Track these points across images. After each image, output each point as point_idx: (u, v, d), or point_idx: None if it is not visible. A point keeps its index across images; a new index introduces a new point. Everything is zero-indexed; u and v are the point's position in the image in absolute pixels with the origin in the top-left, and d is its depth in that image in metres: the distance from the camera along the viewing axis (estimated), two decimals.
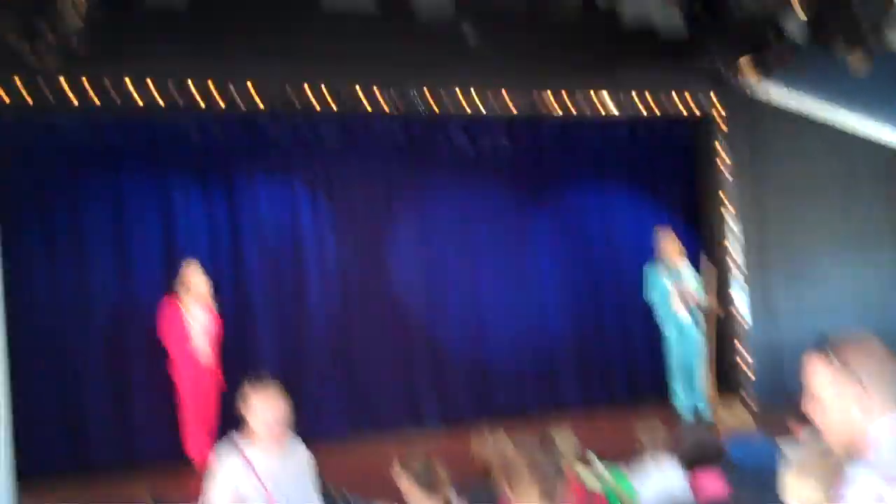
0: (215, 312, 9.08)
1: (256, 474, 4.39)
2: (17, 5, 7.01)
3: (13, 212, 8.85)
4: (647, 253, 11.03)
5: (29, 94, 8.38)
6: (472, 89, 10.15)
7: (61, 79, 8.39)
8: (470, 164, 11.00)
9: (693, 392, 10.19)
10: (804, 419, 5.38)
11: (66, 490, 7.93)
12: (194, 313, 8.84)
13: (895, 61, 10.02)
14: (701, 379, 10.18)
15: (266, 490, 4.36)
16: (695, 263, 11.43)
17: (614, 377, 11.51)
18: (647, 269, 10.37)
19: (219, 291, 9.53)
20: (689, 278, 10.24)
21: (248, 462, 4.42)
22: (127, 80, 8.76)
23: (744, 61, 10.27)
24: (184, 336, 8.75)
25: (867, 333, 2.47)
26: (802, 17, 8.74)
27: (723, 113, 11.39)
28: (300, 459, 4.66)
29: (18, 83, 8.28)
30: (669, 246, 10.27)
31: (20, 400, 8.50)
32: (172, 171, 9.72)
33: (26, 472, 7.97)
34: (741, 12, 9.02)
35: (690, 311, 10.15)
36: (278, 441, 4.46)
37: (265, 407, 4.42)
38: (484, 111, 10.28)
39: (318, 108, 9.62)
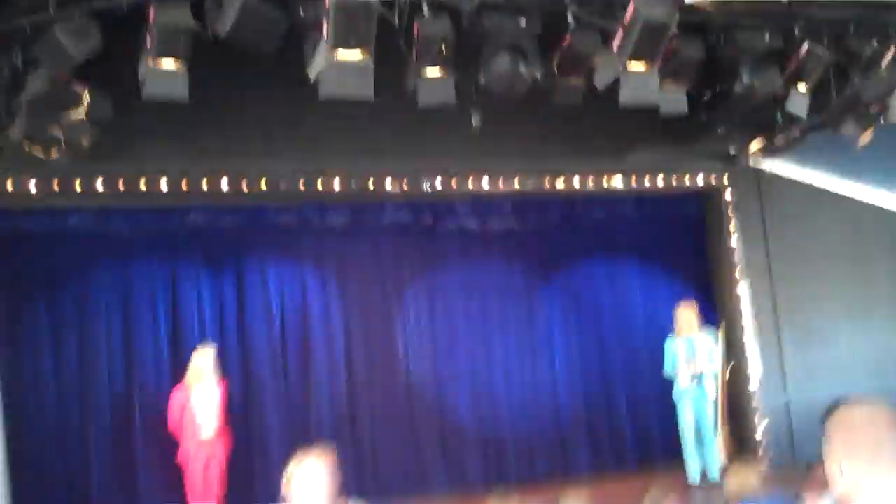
0: (221, 382, 9.12)
1: None
2: (29, 108, 7.20)
3: (24, 301, 8.96)
4: (657, 325, 11.07)
5: (39, 188, 8.53)
6: (478, 171, 10.25)
7: (71, 174, 8.53)
8: (478, 243, 11.10)
9: (703, 457, 10.19)
10: (817, 483, 5.36)
11: None
12: (201, 393, 8.86)
13: None
14: (711, 444, 10.16)
15: None
16: (711, 332, 11.53)
17: (625, 447, 11.43)
18: (666, 343, 10.40)
19: (227, 374, 9.60)
20: (703, 348, 10.21)
21: None
22: (135, 172, 8.91)
23: (752, 144, 10.42)
24: (190, 422, 8.80)
25: (875, 399, 2.46)
26: (807, 97, 8.84)
27: (732, 187, 11.44)
28: None
29: (28, 177, 8.43)
30: (684, 318, 10.30)
31: (26, 489, 8.54)
32: (182, 259, 9.81)
33: None
34: (748, 97, 9.13)
35: (698, 379, 10.10)
36: None
37: (306, 481, 4.26)
38: (490, 190, 10.37)
39: (325, 193, 9.75)
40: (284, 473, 4.25)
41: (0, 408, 6.01)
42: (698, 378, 10.18)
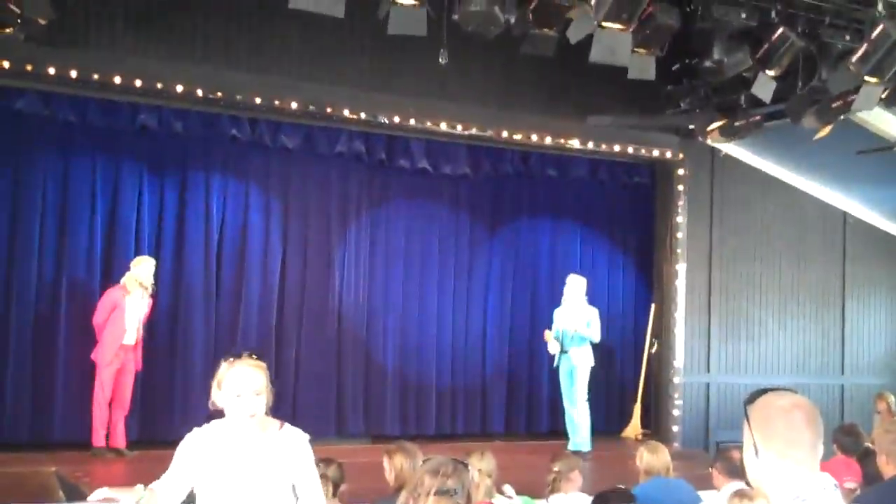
0: (153, 299, 9.03)
1: (214, 456, 3.78)
2: None
3: None
4: (591, 290, 11.18)
5: None
6: (437, 112, 10.19)
7: (24, 54, 8.30)
8: (428, 184, 11.04)
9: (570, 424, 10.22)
10: (724, 468, 5.45)
11: None
12: (133, 300, 8.77)
13: (852, 131, 10.24)
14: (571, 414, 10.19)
15: (216, 474, 3.77)
16: (642, 305, 11.70)
17: (538, 410, 11.53)
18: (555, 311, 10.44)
19: (156, 283, 9.47)
20: (580, 320, 10.13)
21: (210, 442, 3.82)
22: (89, 61, 8.73)
23: (713, 123, 10.47)
24: (115, 321, 8.69)
25: (791, 390, 2.49)
26: (773, 83, 8.88)
27: (685, 163, 11.52)
28: (283, 450, 3.85)
29: None
30: (571, 288, 10.26)
31: None
32: (126, 158, 9.60)
33: None
34: (715, 74, 9.15)
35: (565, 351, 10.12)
36: (253, 423, 3.77)
37: (235, 379, 3.71)
38: (447, 132, 10.32)
39: (281, 110, 9.63)
40: (215, 376, 3.78)
41: None
42: (563, 348, 10.11)
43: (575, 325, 10.03)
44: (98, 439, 8.65)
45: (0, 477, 7.38)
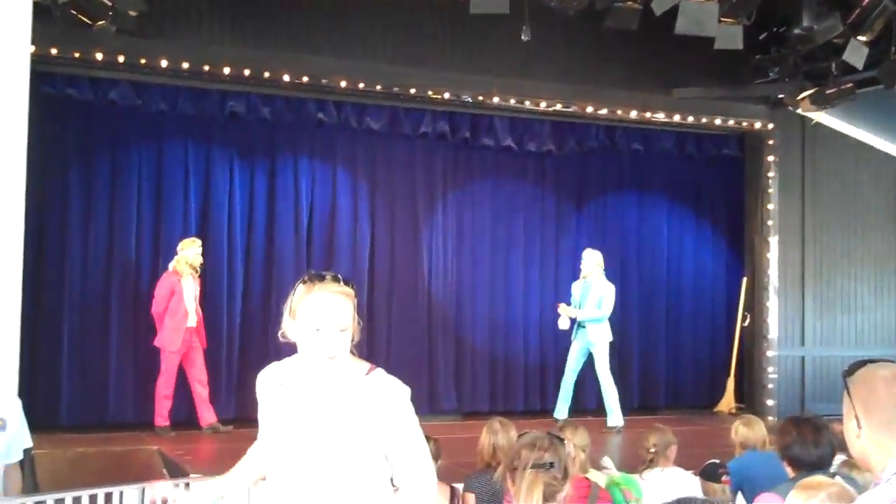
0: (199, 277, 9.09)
1: (283, 401, 2.93)
2: None
3: (60, 165, 9.04)
4: (679, 264, 11.12)
5: (83, 56, 8.52)
6: (521, 89, 10.17)
7: (116, 45, 8.52)
8: (513, 161, 11.04)
9: (572, 398, 10.09)
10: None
11: (81, 444, 8.00)
12: (189, 283, 8.88)
13: None
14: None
15: (284, 425, 2.92)
16: (733, 278, 11.53)
17: (628, 385, 11.46)
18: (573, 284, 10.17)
19: (249, 266, 9.77)
20: (594, 295, 9.85)
21: (281, 383, 2.96)
22: (179, 51, 8.93)
23: (802, 92, 10.24)
24: (176, 307, 8.80)
25: (892, 361, 2.43)
26: (866, 49, 8.64)
27: (776, 134, 11.29)
28: (371, 402, 2.90)
29: (73, 45, 8.41)
30: (588, 261, 10.02)
31: (41, 356, 8.71)
32: (217, 144, 9.81)
33: (42, 422, 8.13)
34: (805, 41, 8.94)
35: (580, 324, 9.89)
36: (334, 365, 2.85)
37: (314, 308, 2.79)
38: (531, 109, 10.31)
39: (366, 93, 9.74)
40: (288, 300, 2.87)
41: (20, 272, 6.02)
42: (579, 322, 9.91)
43: (586, 312, 9.83)
44: (161, 419, 8.79)
45: (106, 456, 7.64)
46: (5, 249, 5.97)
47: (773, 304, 11.33)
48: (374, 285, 10.41)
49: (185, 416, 8.94)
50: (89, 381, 9.20)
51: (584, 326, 9.89)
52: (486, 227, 11.00)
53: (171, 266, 8.93)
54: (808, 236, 11.70)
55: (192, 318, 8.86)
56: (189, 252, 8.89)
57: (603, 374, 9.91)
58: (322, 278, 2.86)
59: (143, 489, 5.25)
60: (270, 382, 3.01)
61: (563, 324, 9.88)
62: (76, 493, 5.15)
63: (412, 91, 9.81)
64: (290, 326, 2.87)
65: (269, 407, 2.99)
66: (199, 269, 8.98)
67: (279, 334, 2.92)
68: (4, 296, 5.95)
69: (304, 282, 2.87)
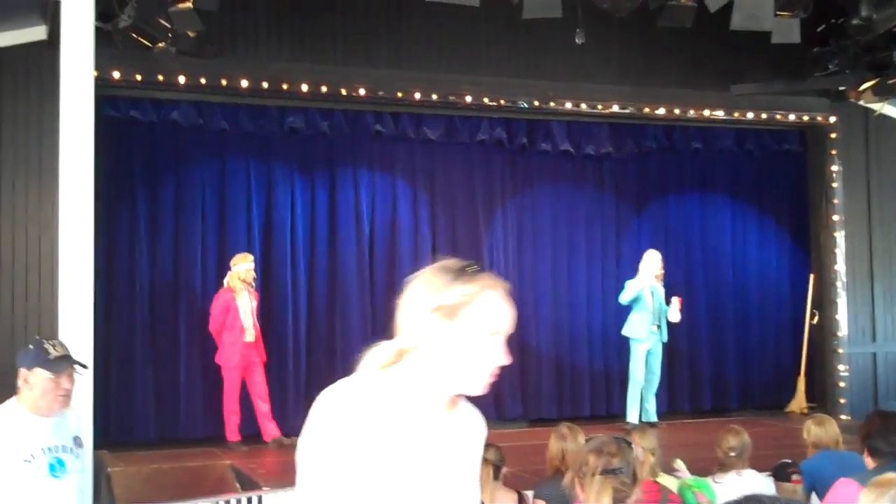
0: (256, 292, 9.11)
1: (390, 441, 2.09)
2: (142, 6, 7.36)
3: (125, 187, 9.24)
4: (745, 264, 10.99)
5: (145, 78, 8.70)
6: (577, 92, 10.15)
7: (176, 67, 8.67)
8: (571, 165, 11.01)
9: (646, 400, 9.97)
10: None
11: (156, 460, 8.14)
12: (245, 298, 8.90)
13: None
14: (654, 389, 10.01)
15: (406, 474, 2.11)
16: (799, 276, 11.35)
17: (700, 387, 11.36)
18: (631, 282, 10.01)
19: (313, 279, 9.88)
20: (661, 296, 9.92)
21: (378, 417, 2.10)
22: (237, 69, 9.06)
23: (864, 83, 10.06)
24: (232, 324, 8.84)
25: None
26: None
27: (838, 126, 11.11)
28: (467, 436, 2.33)
29: (135, 67, 8.59)
30: (649, 266, 9.93)
31: (114, 375, 8.89)
32: (277, 160, 9.94)
33: (115, 439, 8.33)
34: (865, 31, 8.79)
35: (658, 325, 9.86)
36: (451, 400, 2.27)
37: (493, 309, 2.21)
38: (588, 112, 10.28)
39: (422, 103, 9.80)
40: (434, 289, 2.23)
41: (92, 294, 6.17)
42: (658, 322, 9.85)
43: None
44: (232, 434, 8.84)
45: (180, 472, 7.74)
46: (77, 272, 6.12)
47: (841, 301, 11.13)
48: None
49: (256, 430, 9.05)
50: (161, 398, 9.36)
51: (660, 327, 9.85)
52: (547, 233, 10.97)
53: (225, 282, 8.98)
54: (876, 229, 11.48)
55: (249, 333, 8.87)
56: (240, 267, 8.90)
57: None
58: (477, 270, 2.23)
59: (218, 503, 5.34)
60: (361, 415, 2.08)
61: (676, 316, 9.85)
62: None
63: (468, 99, 9.84)
64: (435, 329, 2.18)
65: (360, 451, 2.06)
66: (253, 284, 8.99)
67: (397, 340, 2.26)
68: (78, 317, 6.09)
69: (465, 273, 2.20)
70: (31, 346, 4.00)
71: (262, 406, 9.01)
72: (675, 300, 9.83)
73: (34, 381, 3.89)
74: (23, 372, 3.90)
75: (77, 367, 4.05)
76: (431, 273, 2.28)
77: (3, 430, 3.88)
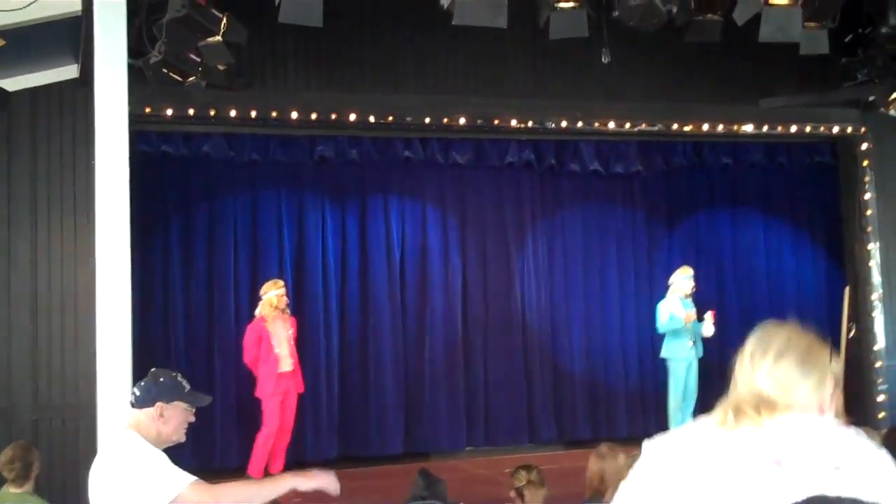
0: (292, 318, 9.06)
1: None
2: (169, 31, 7.42)
3: (158, 221, 9.34)
4: (780, 279, 10.90)
5: (175, 112, 8.79)
6: (604, 112, 10.13)
7: (206, 100, 8.76)
8: (601, 185, 11.01)
9: (684, 416, 9.83)
10: None
11: None
12: (278, 327, 8.84)
13: None
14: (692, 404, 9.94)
15: None
16: (835, 289, 11.22)
17: None
18: (662, 303, 10.01)
19: (345, 308, 9.98)
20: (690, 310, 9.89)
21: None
22: (267, 101, 9.12)
23: (895, 94, 9.98)
24: (267, 354, 8.75)
25: None
26: None
27: (869, 137, 11.01)
28: None
29: (165, 102, 8.68)
30: (685, 279, 9.96)
31: None
32: (308, 188, 10.02)
33: None
34: (894, 40, 8.74)
35: (695, 341, 9.85)
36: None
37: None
38: (616, 131, 10.26)
39: (450, 127, 9.82)
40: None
41: (129, 328, 6.20)
42: (695, 338, 9.82)
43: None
44: (256, 471, 8.61)
45: None
46: (115, 307, 6.16)
47: (878, 313, 10.99)
48: (467, 318, 10.45)
49: (293, 458, 9.05)
50: (196, 429, 9.33)
51: (695, 343, 9.80)
52: (578, 253, 10.96)
53: (257, 312, 8.89)
54: None
55: (286, 362, 8.71)
56: (271, 294, 8.79)
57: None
58: None
59: None
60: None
61: (710, 330, 9.83)
62: None
63: (496, 122, 9.84)
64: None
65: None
66: (287, 311, 8.87)
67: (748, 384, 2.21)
68: (116, 352, 6.13)
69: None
70: (162, 379, 3.74)
71: (284, 439, 8.87)
72: (709, 315, 9.79)
73: (170, 414, 3.67)
74: (159, 406, 3.64)
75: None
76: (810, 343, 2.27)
77: (156, 467, 3.58)
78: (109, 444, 3.76)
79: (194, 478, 3.50)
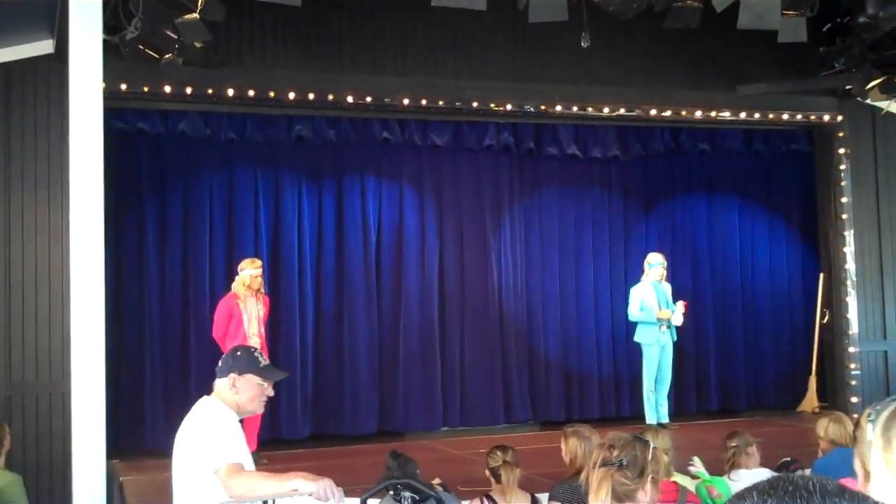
0: (265, 298, 8.95)
1: None
2: (146, 8, 7.37)
3: (133, 198, 9.28)
4: (754, 264, 10.98)
5: (152, 90, 8.73)
6: (583, 96, 10.15)
7: (183, 78, 8.70)
8: (578, 169, 11.02)
9: (658, 401, 10.00)
10: None
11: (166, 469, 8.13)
12: (250, 305, 8.71)
13: None
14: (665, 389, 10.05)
15: None
16: (809, 275, 11.32)
17: (707, 388, 11.34)
18: (634, 288, 10.12)
19: (320, 287, 9.93)
20: (666, 295, 10.00)
21: None
22: (244, 80, 9.07)
23: (871, 81, 10.04)
24: (235, 330, 8.64)
25: None
26: None
27: (845, 125, 11.09)
28: None
29: (142, 79, 8.62)
30: (651, 268, 10.02)
31: (125, 383, 8.91)
32: (284, 168, 9.98)
33: (127, 448, 8.47)
34: (871, 29, 8.77)
35: (667, 324, 9.89)
36: None
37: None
38: (594, 115, 10.28)
39: (428, 109, 9.80)
40: None
41: (103, 305, 6.18)
42: (667, 323, 9.88)
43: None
44: None
45: None
46: (88, 283, 6.14)
47: (852, 299, 11.10)
48: (444, 300, 10.47)
49: (268, 435, 9.05)
50: (171, 407, 9.33)
51: (669, 327, 9.86)
52: (555, 237, 10.99)
53: (232, 288, 8.80)
54: (885, 227, 11.43)
55: (253, 340, 8.52)
56: (246, 273, 8.66)
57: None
58: None
59: None
60: None
61: (679, 320, 9.91)
62: None
63: (474, 104, 9.84)
64: None
65: None
66: (261, 290, 8.78)
67: None
68: (89, 328, 6.11)
69: None
70: (238, 353, 4.10)
71: (254, 418, 8.86)
72: (680, 304, 9.85)
73: (242, 385, 3.95)
74: (233, 377, 3.95)
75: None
76: None
77: (232, 428, 3.92)
78: (195, 407, 4.04)
79: (235, 459, 3.79)
